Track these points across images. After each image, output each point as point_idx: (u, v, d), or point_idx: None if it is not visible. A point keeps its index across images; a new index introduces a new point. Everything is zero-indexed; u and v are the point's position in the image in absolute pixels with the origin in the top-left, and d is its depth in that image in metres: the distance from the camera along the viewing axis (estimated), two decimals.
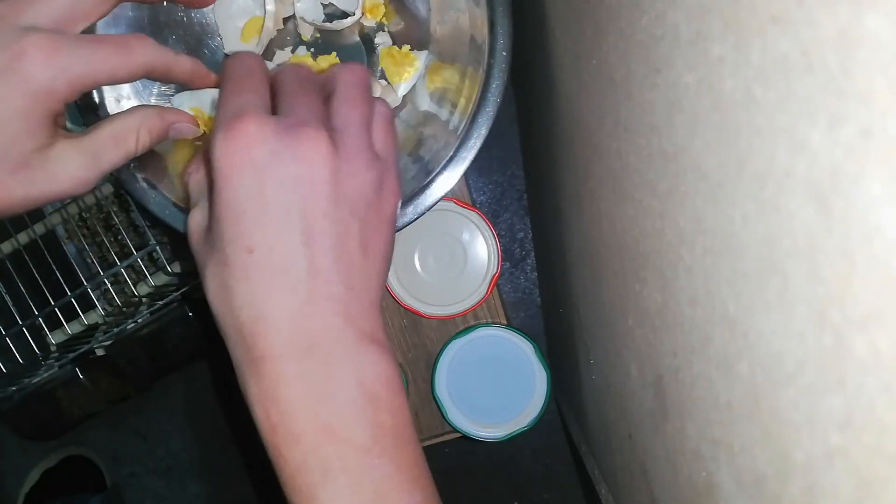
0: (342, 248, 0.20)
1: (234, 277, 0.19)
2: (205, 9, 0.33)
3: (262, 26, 0.31)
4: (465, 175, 0.32)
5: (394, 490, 0.19)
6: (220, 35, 0.33)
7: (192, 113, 0.27)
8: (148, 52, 0.22)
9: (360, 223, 0.20)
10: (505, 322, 0.49)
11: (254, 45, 0.32)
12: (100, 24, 0.26)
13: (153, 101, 0.32)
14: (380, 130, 0.22)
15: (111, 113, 0.31)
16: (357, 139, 0.21)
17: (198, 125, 0.26)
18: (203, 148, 0.23)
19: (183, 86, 0.26)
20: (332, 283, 0.19)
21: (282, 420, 0.19)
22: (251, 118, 0.19)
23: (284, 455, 0.19)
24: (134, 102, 0.31)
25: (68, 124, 0.49)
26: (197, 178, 0.23)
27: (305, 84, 0.22)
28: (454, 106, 0.32)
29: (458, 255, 0.47)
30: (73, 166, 0.22)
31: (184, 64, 0.24)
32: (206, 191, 0.22)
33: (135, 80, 0.24)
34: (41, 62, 0.20)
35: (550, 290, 0.49)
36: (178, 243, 0.49)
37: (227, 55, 0.33)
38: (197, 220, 0.22)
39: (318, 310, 0.19)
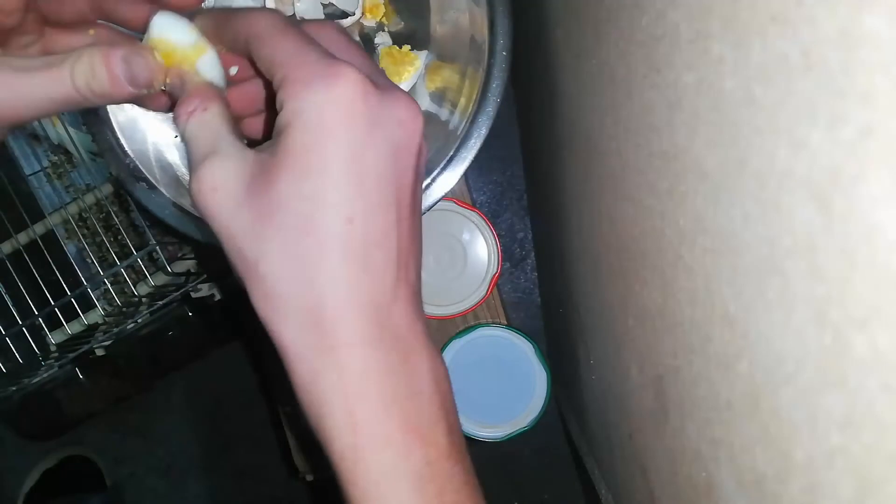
0: (416, 229, 0.18)
1: (325, 249, 0.16)
2: None
3: None
4: (465, 175, 0.32)
5: (470, 498, 0.17)
6: None
7: (152, 50, 0.19)
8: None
9: (418, 201, 0.19)
10: (505, 322, 0.49)
11: None
12: None
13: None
14: None
15: (111, 114, 0.31)
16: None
17: (159, 72, 0.19)
18: (250, 87, 0.19)
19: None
20: (410, 268, 0.18)
21: (369, 418, 0.16)
22: (352, 68, 0.17)
23: (367, 459, 0.16)
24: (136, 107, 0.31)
25: (69, 130, 0.49)
26: (204, 119, 0.18)
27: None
28: (454, 106, 0.32)
29: (459, 255, 0.47)
30: None
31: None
32: (258, 137, 0.19)
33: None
34: None
35: (550, 290, 0.49)
36: (181, 242, 0.49)
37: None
38: (222, 174, 0.17)
39: (400, 297, 0.17)
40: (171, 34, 0.19)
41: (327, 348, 0.17)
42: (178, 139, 0.34)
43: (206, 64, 0.20)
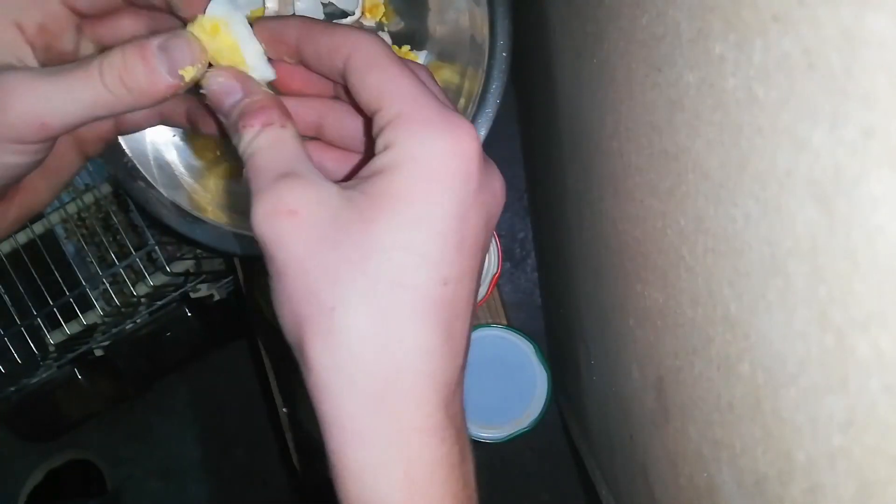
0: (475, 296, 0.17)
1: (415, 309, 0.15)
2: None
3: None
4: None
5: None
6: None
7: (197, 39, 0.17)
8: None
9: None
10: (505, 322, 0.49)
11: None
12: None
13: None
14: None
15: None
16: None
17: (203, 56, 0.17)
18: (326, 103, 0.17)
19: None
20: (466, 337, 0.17)
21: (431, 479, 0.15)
22: (462, 119, 0.15)
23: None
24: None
25: None
26: (283, 136, 0.16)
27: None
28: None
29: None
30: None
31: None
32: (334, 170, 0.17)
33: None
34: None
35: (551, 291, 0.49)
36: (180, 242, 0.49)
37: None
38: (305, 198, 0.15)
39: (461, 381, 0.16)
40: (231, 23, 0.16)
41: (395, 433, 0.15)
42: (178, 139, 0.34)
43: (259, 63, 0.17)
